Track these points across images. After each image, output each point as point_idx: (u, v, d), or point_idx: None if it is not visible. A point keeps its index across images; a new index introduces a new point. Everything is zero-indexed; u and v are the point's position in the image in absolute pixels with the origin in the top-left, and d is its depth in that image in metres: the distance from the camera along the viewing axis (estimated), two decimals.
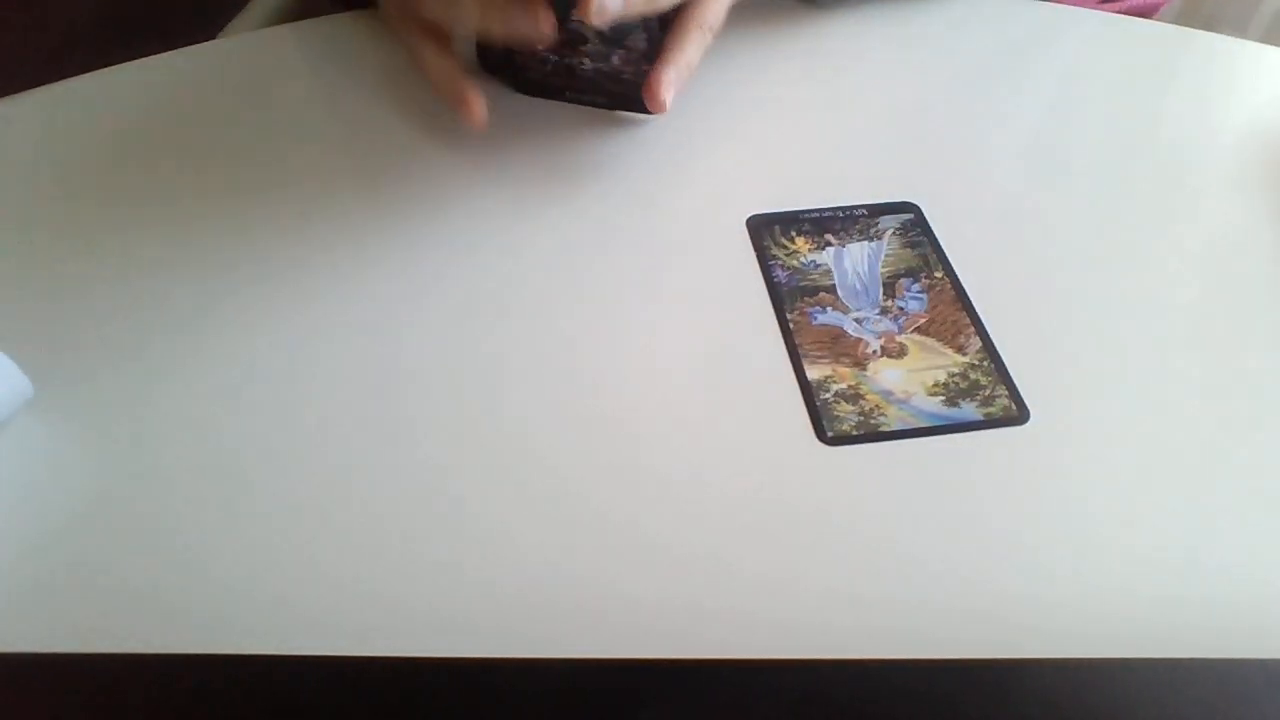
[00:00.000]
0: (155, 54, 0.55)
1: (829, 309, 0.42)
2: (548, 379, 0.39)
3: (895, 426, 0.37)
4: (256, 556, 0.34)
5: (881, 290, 0.43)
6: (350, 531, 0.34)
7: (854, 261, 0.44)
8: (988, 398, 0.38)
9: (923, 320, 0.41)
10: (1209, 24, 0.81)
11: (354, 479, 0.36)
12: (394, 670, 0.31)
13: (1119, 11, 0.60)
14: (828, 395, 0.38)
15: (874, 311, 0.42)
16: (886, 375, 0.39)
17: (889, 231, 0.45)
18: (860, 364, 0.40)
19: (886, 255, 0.44)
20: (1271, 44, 0.60)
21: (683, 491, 0.35)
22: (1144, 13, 0.63)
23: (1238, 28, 0.87)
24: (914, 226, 0.46)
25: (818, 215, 0.46)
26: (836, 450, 0.37)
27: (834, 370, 0.39)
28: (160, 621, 0.32)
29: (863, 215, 0.46)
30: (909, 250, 0.45)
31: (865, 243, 0.45)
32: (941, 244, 0.45)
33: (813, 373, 0.39)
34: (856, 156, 0.50)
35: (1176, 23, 0.61)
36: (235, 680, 0.31)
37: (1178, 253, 0.45)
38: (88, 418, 0.38)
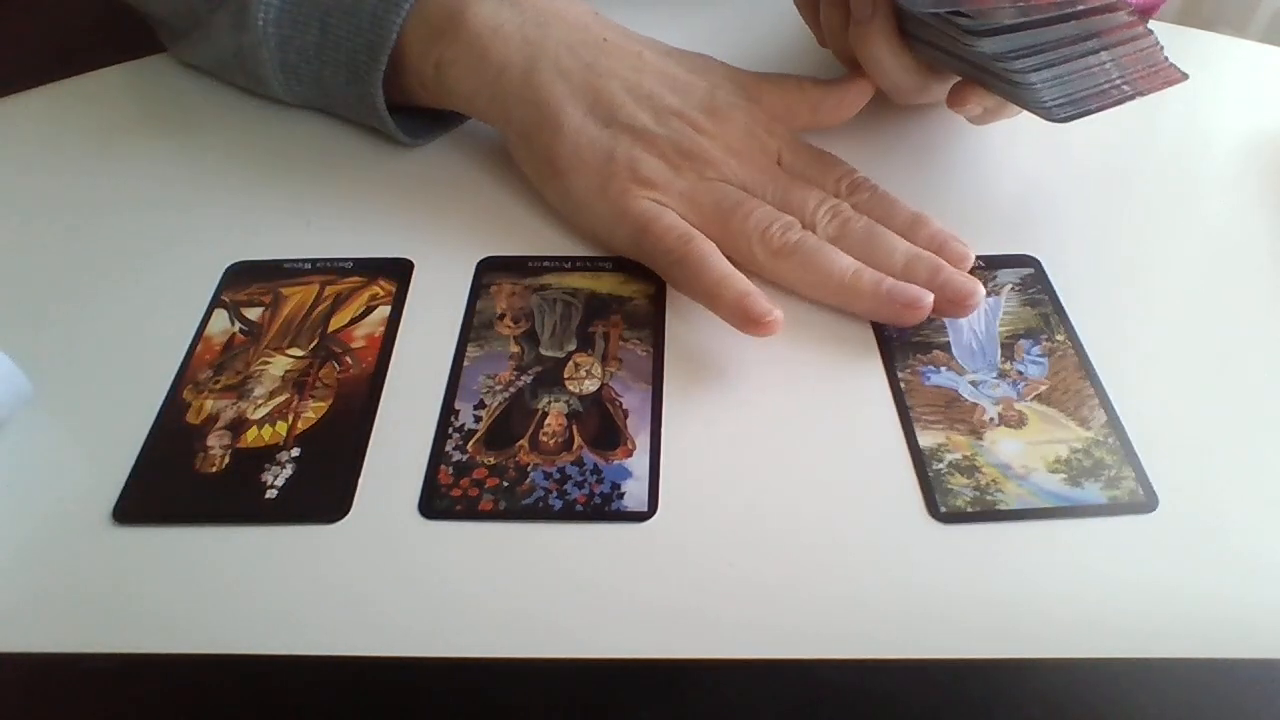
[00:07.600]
0: (155, 54, 0.55)
1: (943, 369, 0.40)
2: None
3: (1014, 505, 0.35)
4: (256, 555, 0.34)
5: (1000, 351, 0.41)
6: (350, 531, 0.34)
7: (970, 318, 0.42)
8: (1113, 479, 0.36)
9: (1044, 387, 0.39)
10: (1209, 24, 0.79)
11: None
12: (392, 670, 0.31)
13: None
14: (941, 466, 0.36)
15: (991, 375, 0.40)
16: (1005, 447, 0.37)
17: (1007, 287, 0.43)
18: (976, 432, 0.38)
19: (1005, 313, 0.42)
20: (1271, 44, 0.58)
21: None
22: (1143, 13, 0.61)
23: (1238, 28, 0.85)
24: (1034, 282, 0.43)
25: None
26: (949, 528, 0.35)
27: (948, 438, 0.37)
28: (160, 621, 0.32)
29: (979, 268, 0.44)
30: (1029, 308, 0.42)
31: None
32: (1063, 303, 0.42)
33: (925, 439, 0.37)
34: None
35: (1176, 23, 0.59)
36: (235, 680, 0.31)
37: (1178, 252, 0.44)
38: (88, 418, 0.38)
